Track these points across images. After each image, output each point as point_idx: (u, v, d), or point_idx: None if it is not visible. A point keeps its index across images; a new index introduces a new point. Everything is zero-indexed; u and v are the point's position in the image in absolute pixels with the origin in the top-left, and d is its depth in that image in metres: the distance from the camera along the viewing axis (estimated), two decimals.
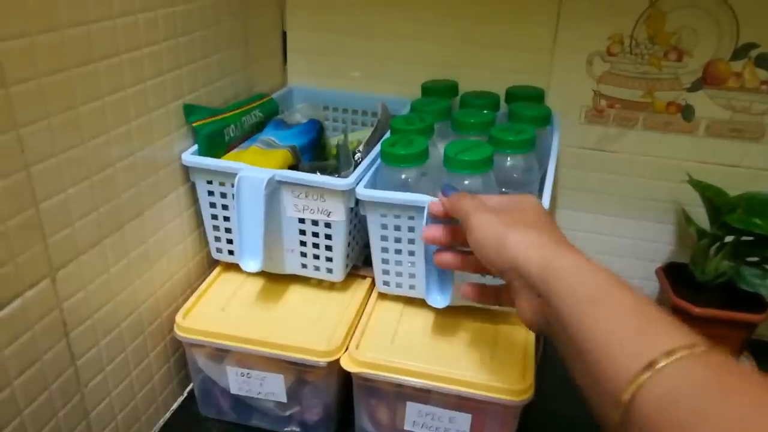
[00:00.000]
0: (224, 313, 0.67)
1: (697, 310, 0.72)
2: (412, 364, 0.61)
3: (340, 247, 0.66)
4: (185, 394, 0.74)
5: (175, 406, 0.72)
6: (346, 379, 0.64)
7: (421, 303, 0.67)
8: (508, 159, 0.66)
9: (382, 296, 0.71)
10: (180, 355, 0.71)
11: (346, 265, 0.69)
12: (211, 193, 0.67)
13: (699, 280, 0.76)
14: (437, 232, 0.53)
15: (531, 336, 0.65)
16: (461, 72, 0.84)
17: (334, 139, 0.81)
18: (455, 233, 0.52)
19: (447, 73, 0.84)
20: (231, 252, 0.71)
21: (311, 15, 0.87)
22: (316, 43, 0.88)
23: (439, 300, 0.59)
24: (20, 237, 0.47)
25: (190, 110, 0.66)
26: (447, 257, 0.53)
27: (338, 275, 0.69)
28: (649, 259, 0.85)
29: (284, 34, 0.89)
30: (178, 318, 0.65)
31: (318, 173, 0.67)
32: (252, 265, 0.63)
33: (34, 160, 0.47)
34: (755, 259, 0.72)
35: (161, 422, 0.70)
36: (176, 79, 0.64)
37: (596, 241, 0.88)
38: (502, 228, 0.44)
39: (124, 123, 0.57)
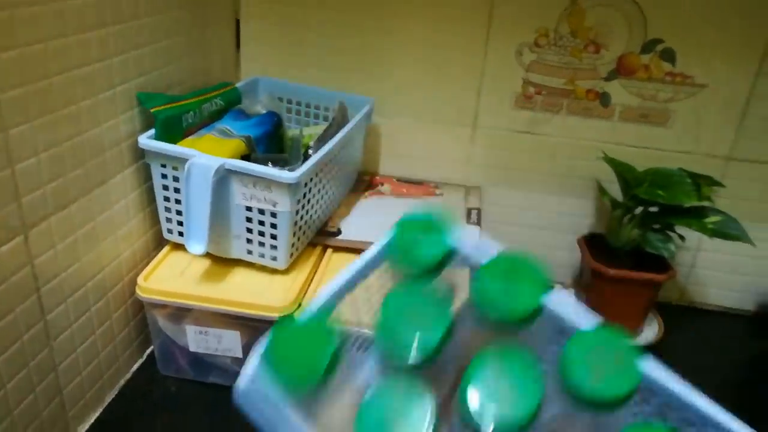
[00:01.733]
0: (182, 276, 0.72)
1: (611, 272, 0.82)
2: (364, 314, 0.67)
3: (285, 237, 0.70)
4: (145, 356, 0.78)
5: (135, 366, 0.77)
6: None
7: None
8: None
9: (338, 249, 0.77)
10: (140, 319, 0.76)
11: (291, 254, 0.73)
12: (164, 176, 0.70)
13: (613, 246, 0.86)
14: None
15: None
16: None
17: (292, 132, 0.86)
18: None
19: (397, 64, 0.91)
20: (181, 234, 0.74)
21: (265, 5, 0.92)
22: (270, 33, 0.93)
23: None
24: None
25: (146, 98, 0.70)
26: None
27: (282, 263, 0.72)
28: (572, 231, 0.94)
29: (237, 23, 0.94)
30: (140, 280, 0.69)
31: (270, 165, 0.71)
32: (197, 248, 0.67)
33: (9, 124, 0.51)
34: (659, 226, 0.82)
35: (122, 381, 0.74)
36: (123, 63, 0.66)
37: (525, 216, 0.97)
38: None
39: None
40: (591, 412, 0.40)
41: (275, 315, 0.67)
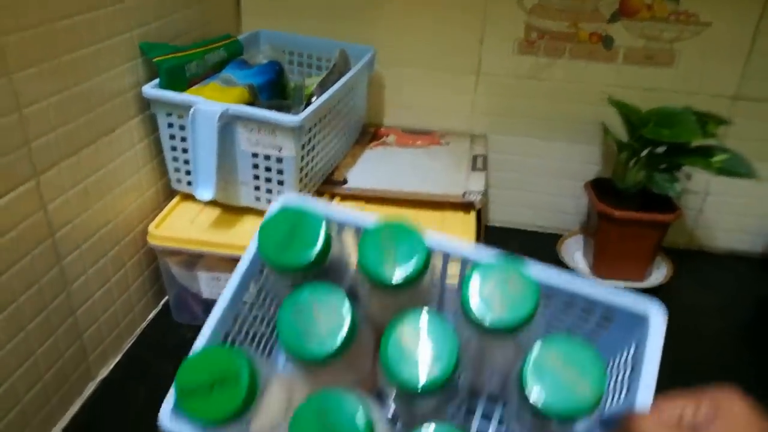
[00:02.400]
0: (193, 225, 0.73)
1: (617, 214, 0.82)
2: None
3: (291, 183, 0.71)
4: (160, 305, 0.80)
5: (151, 315, 0.79)
6: None
7: (380, 201, 0.77)
8: None
9: (345, 198, 0.79)
10: (154, 269, 0.77)
11: None
12: (170, 125, 0.71)
13: (620, 189, 0.86)
14: None
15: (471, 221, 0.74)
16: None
17: (294, 82, 0.86)
18: None
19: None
20: (190, 183, 0.75)
21: None
22: None
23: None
24: (5, 138, 0.52)
25: (149, 48, 0.70)
26: None
27: None
28: (579, 178, 0.94)
29: None
30: (151, 228, 0.71)
31: (274, 111, 0.71)
32: (205, 193, 0.68)
33: (14, 68, 0.52)
34: (665, 166, 0.82)
35: (139, 329, 0.76)
36: (126, 11, 0.66)
37: (531, 163, 0.97)
38: None
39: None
40: (499, 339, 0.42)
41: None
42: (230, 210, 0.75)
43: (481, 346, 0.45)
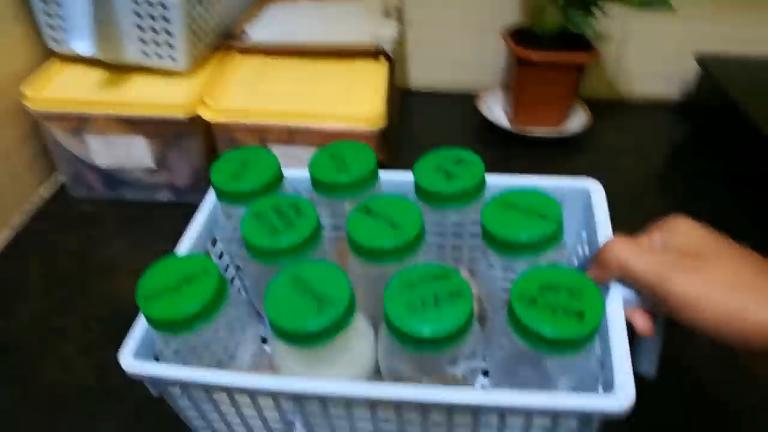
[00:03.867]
0: (76, 85, 0.66)
1: (534, 56, 0.79)
2: (271, 108, 0.64)
3: (180, 34, 0.64)
4: (55, 181, 0.74)
5: (46, 192, 0.73)
6: (213, 139, 0.67)
7: (284, 55, 0.71)
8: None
9: (245, 52, 0.73)
10: (41, 141, 0.71)
11: (192, 56, 0.67)
12: None
13: (538, 35, 0.83)
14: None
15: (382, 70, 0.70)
16: None
17: None
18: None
19: None
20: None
21: None
22: None
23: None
24: None
25: None
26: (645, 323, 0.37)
27: (182, 64, 0.67)
28: (497, 30, 0.90)
29: None
30: (28, 92, 0.64)
31: None
32: (82, 45, 0.61)
33: None
34: (582, 4, 0.79)
35: (35, 204, 0.71)
36: None
37: (449, 14, 0.92)
38: (728, 290, 0.32)
39: None
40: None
41: (180, 114, 0.63)
42: (116, 68, 0.68)
43: None
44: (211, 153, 0.69)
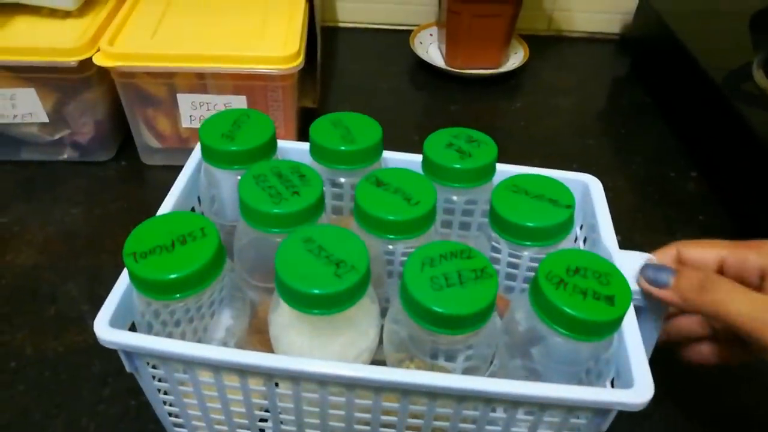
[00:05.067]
0: None
1: None
2: (177, 51, 0.57)
3: None
4: None
5: None
6: (115, 90, 0.60)
7: None
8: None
9: None
10: None
11: None
12: None
13: None
14: (686, 322, 0.38)
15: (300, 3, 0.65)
16: None
17: None
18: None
19: None
20: None
21: None
22: None
23: None
24: None
25: None
26: (705, 351, 0.37)
27: (70, 1, 0.59)
28: None
29: None
30: None
31: None
32: None
33: None
34: None
35: None
36: None
37: None
38: None
39: None
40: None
41: (70, 60, 0.56)
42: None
43: None
44: (116, 105, 0.62)
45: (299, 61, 0.58)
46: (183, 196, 0.40)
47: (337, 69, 0.84)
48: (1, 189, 0.61)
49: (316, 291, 0.29)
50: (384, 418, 0.33)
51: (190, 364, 0.31)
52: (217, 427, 0.36)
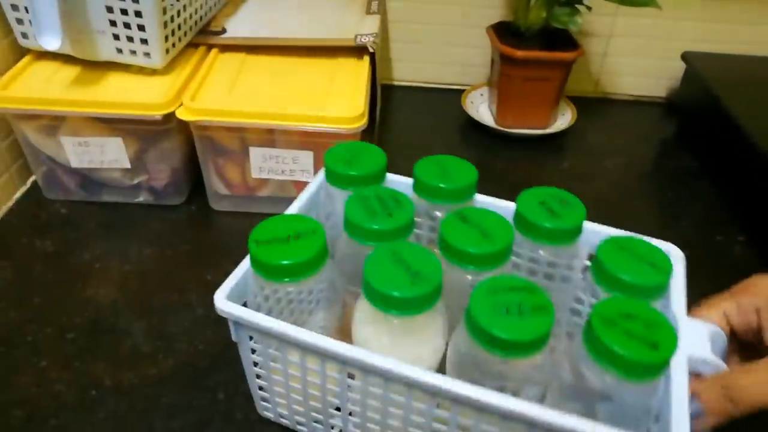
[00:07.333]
0: (49, 83, 0.64)
1: (519, 53, 0.78)
2: (251, 108, 0.62)
3: (154, 28, 0.62)
4: (28, 184, 0.72)
5: (18, 194, 0.71)
6: (191, 140, 0.65)
7: (264, 51, 0.69)
8: None
9: (224, 49, 0.71)
10: (12, 142, 0.69)
11: (167, 51, 0.65)
12: None
13: (522, 30, 0.82)
14: None
15: (364, 67, 0.69)
16: None
17: None
18: None
19: None
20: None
21: None
22: None
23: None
24: None
25: None
26: None
27: (157, 59, 0.65)
28: (484, 26, 0.89)
29: None
30: None
31: None
32: (50, 40, 0.58)
33: None
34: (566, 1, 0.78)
35: (5, 208, 0.69)
36: None
37: (432, 12, 0.91)
38: None
39: None
40: None
41: (156, 114, 0.61)
42: (91, 65, 0.66)
43: None
44: (191, 154, 0.67)
45: (363, 121, 0.62)
46: (305, 205, 0.48)
47: (393, 124, 0.88)
48: (85, 228, 0.67)
49: (395, 294, 0.35)
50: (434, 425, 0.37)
51: (283, 341, 0.38)
52: (295, 407, 0.43)
